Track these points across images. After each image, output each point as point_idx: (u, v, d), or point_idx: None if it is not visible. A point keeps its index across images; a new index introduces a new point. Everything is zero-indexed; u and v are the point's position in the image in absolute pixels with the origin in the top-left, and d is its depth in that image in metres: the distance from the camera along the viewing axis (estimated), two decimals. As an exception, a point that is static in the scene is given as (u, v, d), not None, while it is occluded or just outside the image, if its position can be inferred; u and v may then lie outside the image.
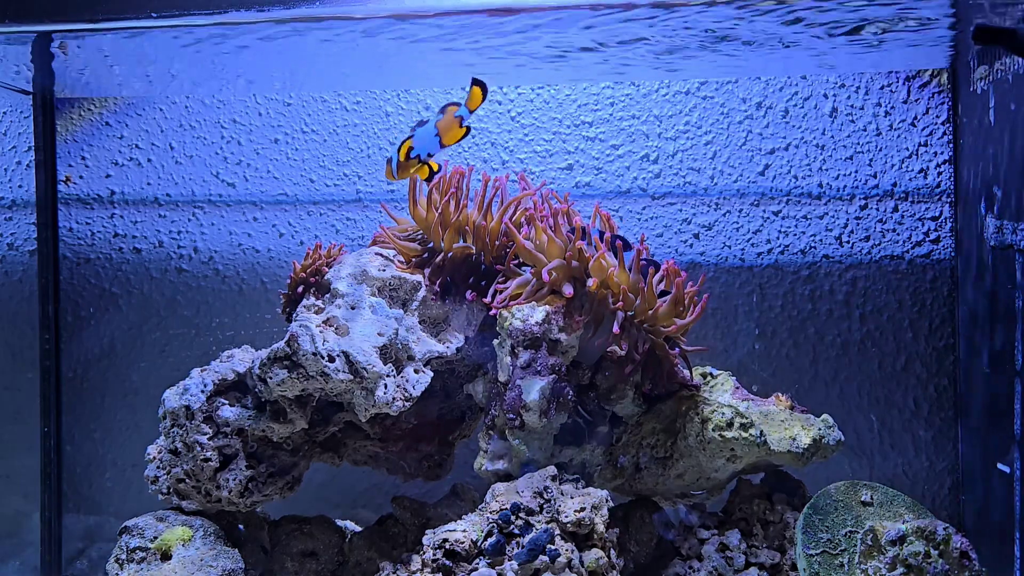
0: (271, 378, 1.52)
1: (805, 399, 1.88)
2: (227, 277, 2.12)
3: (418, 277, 1.65)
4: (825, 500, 1.49)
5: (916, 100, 1.95)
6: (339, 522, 1.79)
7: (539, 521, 1.42)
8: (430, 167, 1.57)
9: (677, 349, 1.61)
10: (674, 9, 1.48)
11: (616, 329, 1.48)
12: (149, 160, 2.14)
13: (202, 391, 1.59)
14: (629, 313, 1.51)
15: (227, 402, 1.60)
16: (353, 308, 1.59)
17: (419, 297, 1.64)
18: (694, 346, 1.64)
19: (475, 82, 1.53)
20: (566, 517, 1.41)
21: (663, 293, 1.53)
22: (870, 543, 1.44)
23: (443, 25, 1.57)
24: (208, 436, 1.58)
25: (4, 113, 2.19)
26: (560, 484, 1.48)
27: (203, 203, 2.13)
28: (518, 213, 1.62)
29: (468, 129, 1.56)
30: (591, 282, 1.49)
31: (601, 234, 1.54)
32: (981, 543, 1.65)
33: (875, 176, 1.96)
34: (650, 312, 1.51)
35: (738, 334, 1.99)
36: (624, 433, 1.60)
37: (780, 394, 1.62)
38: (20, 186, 2.18)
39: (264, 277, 2.11)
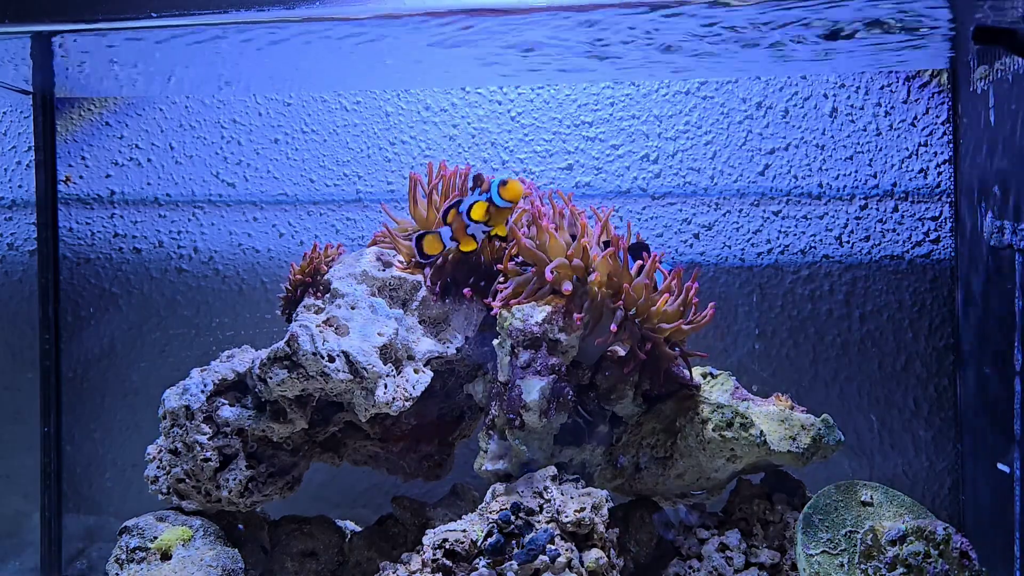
0: (271, 378, 1.52)
1: (805, 399, 1.88)
2: (227, 277, 2.12)
3: (418, 277, 1.65)
4: (825, 500, 1.49)
5: (916, 100, 1.95)
6: (339, 522, 1.79)
7: (539, 521, 1.42)
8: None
9: (677, 349, 1.60)
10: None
11: (614, 327, 1.48)
12: (149, 160, 2.14)
13: (202, 391, 1.59)
14: (631, 312, 1.51)
15: (227, 402, 1.60)
16: (353, 308, 1.59)
17: (419, 297, 1.64)
18: (694, 349, 1.64)
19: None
20: (566, 517, 1.41)
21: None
22: (870, 543, 1.44)
23: (444, 24, 1.57)
24: (208, 436, 1.58)
25: (4, 113, 2.19)
26: (560, 484, 1.48)
27: (203, 203, 2.13)
28: (517, 213, 1.62)
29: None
30: (593, 277, 1.49)
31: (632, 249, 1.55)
32: (981, 543, 1.65)
33: (875, 176, 1.96)
34: (652, 310, 1.51)
35: (738, 334, 1.99)
36: (624, 433, 1.60)
37: (780, 394, 1.62)
38: (20, 186, 2.18)
39: (264, 277, 2.11)
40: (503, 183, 1.51)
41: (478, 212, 1.52)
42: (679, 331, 1.54)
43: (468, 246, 1.56)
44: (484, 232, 1.55)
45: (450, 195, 1.63)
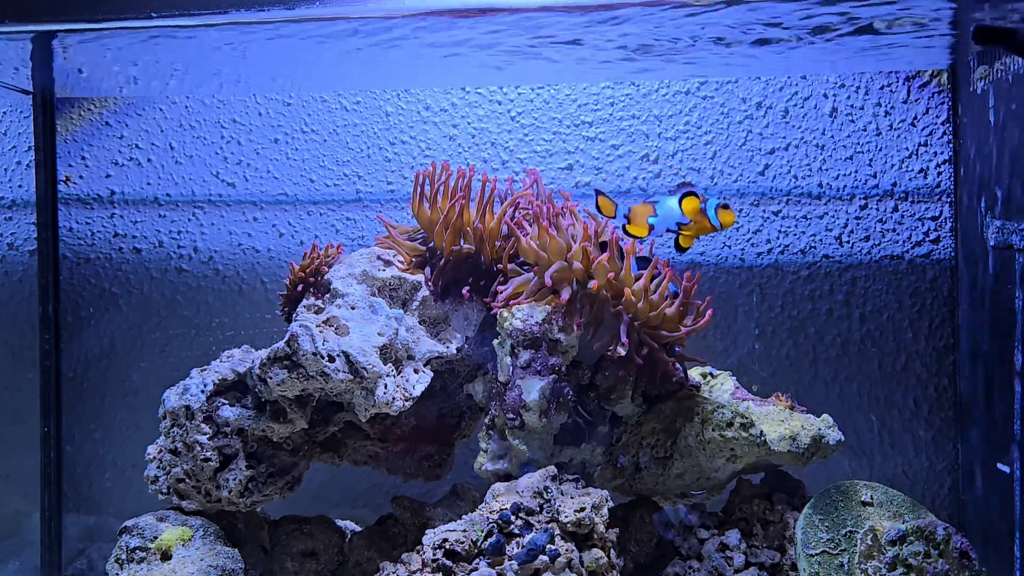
0: (271, 378, 1.52)
1: (805, 399, 1.88)
2: (227, 277, 2.12)
3: (418, 277, 1.65)
4: (825, 500, 1.49)
5: (916, 100, 1.95)
6: (339, 522, 1.79)
7: (539, 521, 1.42)
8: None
9: (678, 349, 1.61)
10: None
11: (624, 339, 1.48)
12: (149, 160, 2.14)
13: (202, 391, 1.59)
14: (630, 315, 1.51)
15: (227, 402, 1.60)
16: (353, 308, 1.59)
17: (419, 297, 1.64)
18: (693, 352, 1.64)
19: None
20: (566, 517, 1.41)
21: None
22: (870, 543, 1.44)
23: (444, 23, 1.57)
24: (208, 436, 1.58)
25: (4, 113, 2.19)
26: (560, 484, 1.48)
27: (203, 203, 2.13)
28: (521, 215, 1.62)
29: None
30: (592, 284, 1.49)
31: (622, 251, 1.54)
32: (981, 543, 1.65)
33: (875, 176, 1.96)
34: (652, 314, 1.51)
35: (738, 334, 1.99)
36: (624, 433, 1.60)
37: (780, 394, 1.62)
38: (20, 186, 2.18)
39: (264, 277, 2.11)
40: (724, 206, 1.47)
41: (691, 206, 1.46)
42: (678, 338, 1.54)
43: (639, 231, 1.50)
44: (670, 231, 1.49)
45: (454, 196, 1.63)
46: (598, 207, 1.56)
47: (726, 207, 1.47)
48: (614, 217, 1.55)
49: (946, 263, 1.94)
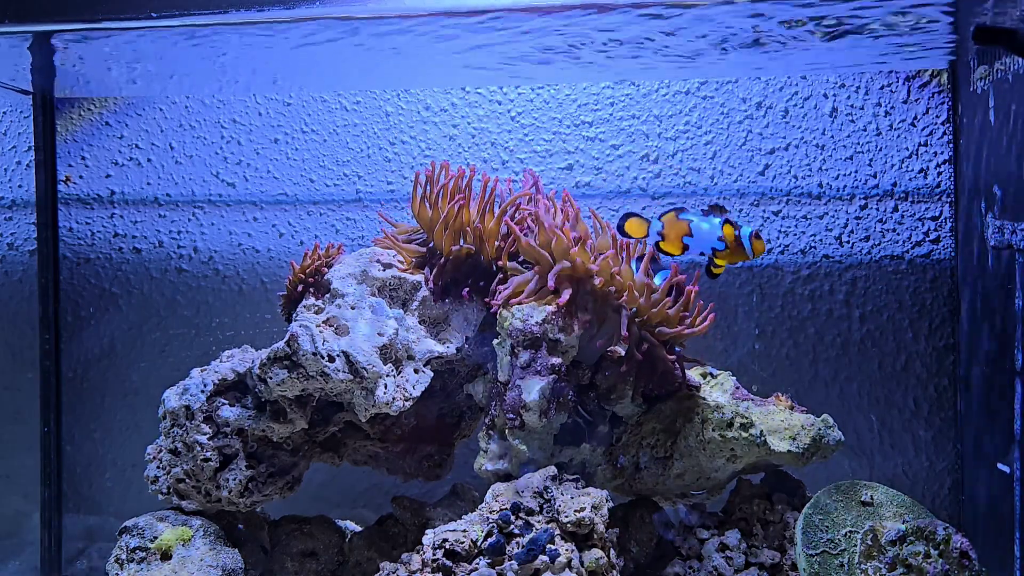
0: (271, 378, 1.52)
1: (805, 399, 1.88)
2: (227, 277, 2.12)
3: (418, 277, 1.65)
4: (825, 500, 1.49)
5: (916, 100, 1.95)
6: (339, 522, 1.79)
7: (539, 521, 1.42)
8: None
9: (678, 349, 1.60)
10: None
11: (624, 332, 1.48)
12: (149, 160, 2.14)
13: (202, 391, 1.59)
14: (632, 310, 1.51)
15: (227, 402, 1.60)
16: (353, 308, 1.59)
17: (419, 297, 1.64)
18: (693, 352, 1.64)
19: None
20: (566, 517, 1.41)
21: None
22: (870, 543, 1.44)
23: (441, 24, 1.57)
24: (208, 436, 1.58)
25: (4, 113, 2.19)
26: (560, 484, 1.48)
27: (203, 203, 2.13)
28: (522, 215, 1.62)
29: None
30: (597, 281, 1.49)
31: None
32: (981, 543, 1.65)
33: (875, 176, 1.96)
34: (653, 311, 1.51)
35: (738, 334, 1.99)
36: (624, 433, 1.60)
37: (780, 394, 1.62)
38: (20, 186, 2.18)
39: (264, 277, 2.11)
40: (757, 235, 1.49)
41: (727, 231, 1.49)
42: (679, 336, 1.54)
43: (673, 249, 1.54)
44: (704, 255, 1.52)
45: (454, 196, 1.63)
46: (623, 230, 1.57)
47: (758, 236, 1.50)
48: (647, 235, 1.56)
49: (946, 263, 1.94)
